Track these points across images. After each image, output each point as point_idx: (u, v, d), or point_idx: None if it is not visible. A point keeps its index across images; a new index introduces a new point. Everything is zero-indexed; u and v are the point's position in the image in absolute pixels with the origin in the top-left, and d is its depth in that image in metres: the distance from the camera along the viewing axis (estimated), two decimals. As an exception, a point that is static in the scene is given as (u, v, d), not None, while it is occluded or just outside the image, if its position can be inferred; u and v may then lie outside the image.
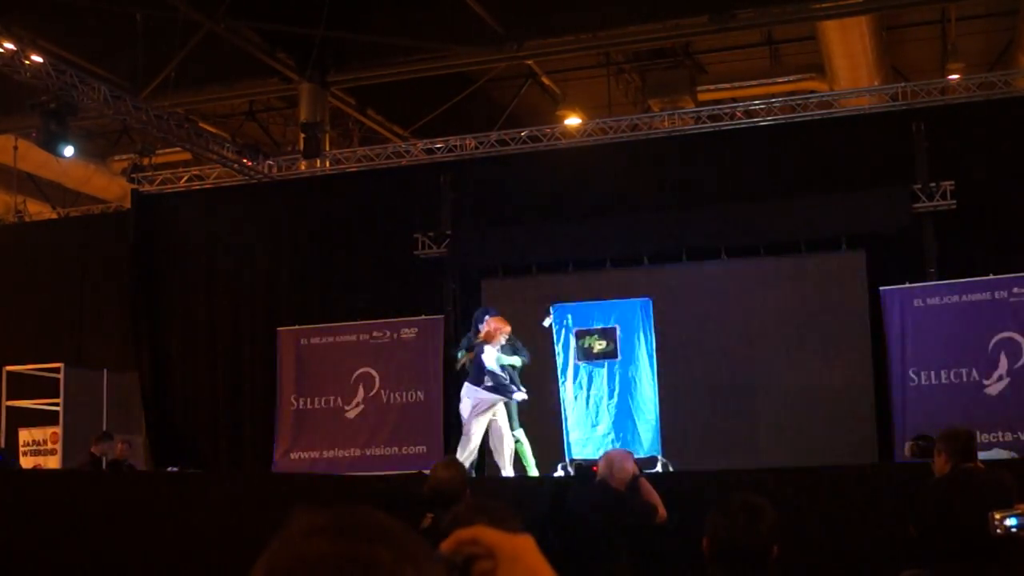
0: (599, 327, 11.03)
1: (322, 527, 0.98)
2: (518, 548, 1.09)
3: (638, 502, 6.18)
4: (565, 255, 12.69)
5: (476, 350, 9.98)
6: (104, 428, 12.91)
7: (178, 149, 15.22)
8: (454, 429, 12.68)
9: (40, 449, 13.40)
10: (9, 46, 11.21)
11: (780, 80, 15.77)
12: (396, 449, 12.52)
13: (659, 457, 10.38)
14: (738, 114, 12.94)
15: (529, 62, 15.02)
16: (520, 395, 9.90)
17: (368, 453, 12.64)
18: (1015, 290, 10.90)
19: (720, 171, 12.57)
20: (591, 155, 13.10)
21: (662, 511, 6.15)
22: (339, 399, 12.91)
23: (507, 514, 2.97)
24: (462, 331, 12.94)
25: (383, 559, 0.96)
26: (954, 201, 11.39)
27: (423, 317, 12.85)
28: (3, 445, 13.18)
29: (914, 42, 15.97)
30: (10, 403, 13.59)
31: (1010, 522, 4.05)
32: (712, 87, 16.04)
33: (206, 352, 14.14)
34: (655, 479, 6.96)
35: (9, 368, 13.61)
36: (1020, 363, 10.76)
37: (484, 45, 13.38)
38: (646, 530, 6.15)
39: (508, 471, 9.83)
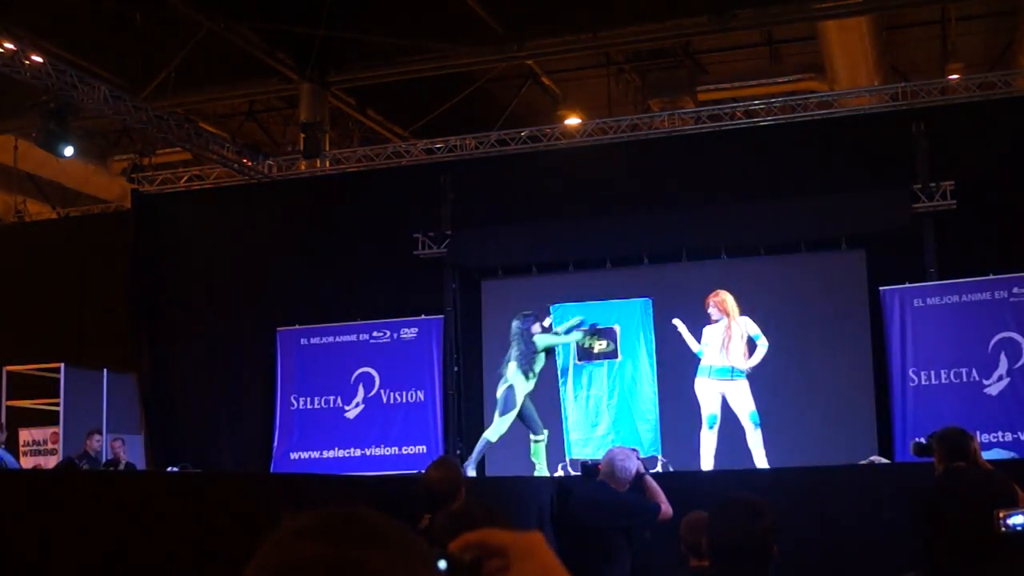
0: (599, 327, 11.02)
1: (312, 529, 0.97)
2: (530, 545, 1.08)
3: (639, 503, 6.15)
4: (565, 255, 12.68)
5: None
6: (104, 428, 12.91)
7: (178, 149, 15.21)
8: (454, 429, 12.70)
9: (40, 449, 13.40)
10: (9, 46, 11.20)
11: (780, 80, 15.73)
12: (396, 449, 12.53)
13: (659, 457, 10.38)
14: (738, 114, 12.93)
15: (529, 62, 15.00)
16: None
17: (368, 453, 12.64)
18: (1015, 290, 10.90)
19: (720, 171, 12.55)
20: (591, 155, 13.09)
21: (666, 509, 6.07)
22: (339, 399, 12.91)
23: (499, 517, 2.97)
24: (462, 331, 12.97)
25: (373, 561, 0.95)
26: (954, 201, 11.39)
27: (423, 317, 12.85)
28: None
29: (914, 42, 15.95)
30: (10, 403, 13.58)
31: (1015, 520, 4.04)
32: (712, 87, 16.00)
33: (206, 352, 14.12)
34: (655, 479, 6.94)
35: (9, 368, 13.60)
36: (1020, 363, 10.76)
37: (484, 45, 13.37)
38: (647, 530, 6.11)
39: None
